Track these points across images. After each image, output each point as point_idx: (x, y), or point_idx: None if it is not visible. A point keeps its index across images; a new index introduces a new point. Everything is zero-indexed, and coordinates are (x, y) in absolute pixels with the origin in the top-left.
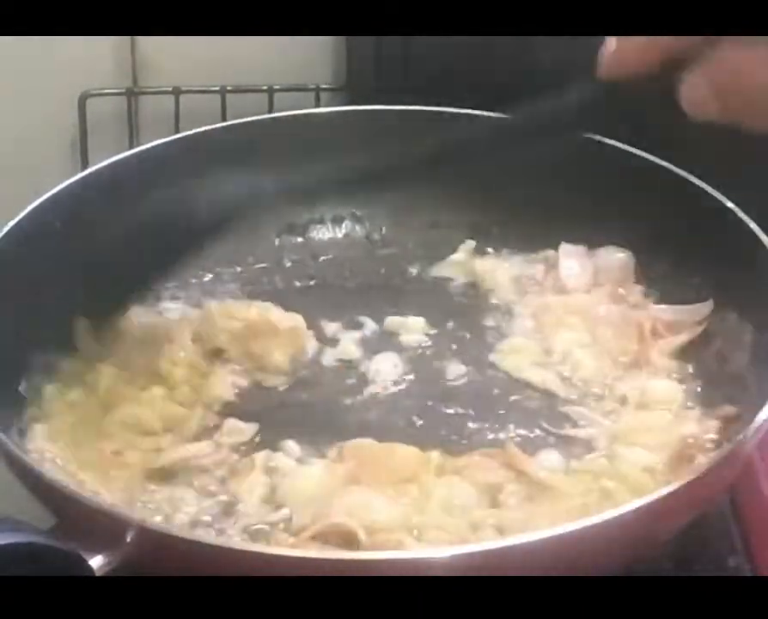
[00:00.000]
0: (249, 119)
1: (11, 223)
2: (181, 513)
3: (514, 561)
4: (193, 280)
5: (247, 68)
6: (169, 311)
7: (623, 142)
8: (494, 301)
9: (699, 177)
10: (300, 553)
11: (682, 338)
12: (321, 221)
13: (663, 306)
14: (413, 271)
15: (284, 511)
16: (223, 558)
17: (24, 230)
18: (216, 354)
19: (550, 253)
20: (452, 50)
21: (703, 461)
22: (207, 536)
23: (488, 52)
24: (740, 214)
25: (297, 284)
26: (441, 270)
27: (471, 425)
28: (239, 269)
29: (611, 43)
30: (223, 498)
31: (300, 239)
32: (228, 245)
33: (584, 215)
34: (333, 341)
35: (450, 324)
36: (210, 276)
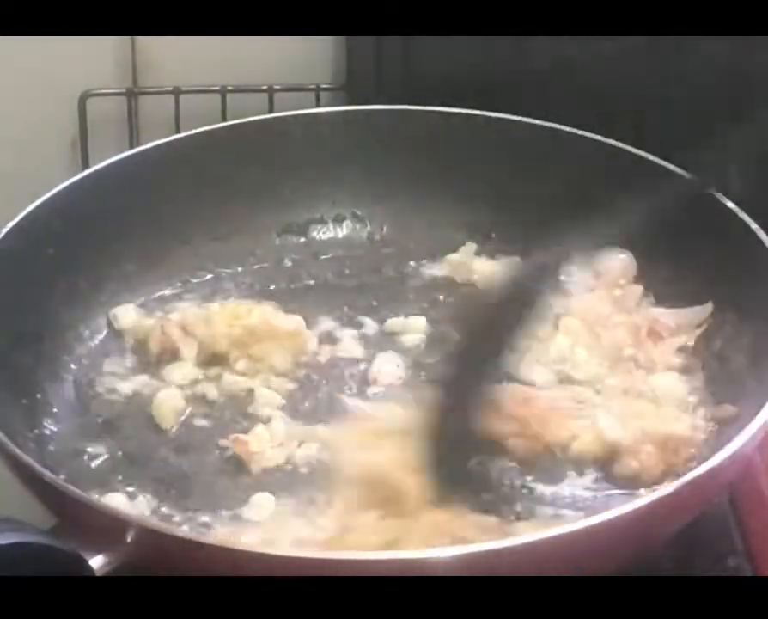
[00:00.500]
0: (249, 119)
1: (11, 224)
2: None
3: (514, 561)
4: (194, 281)
5: (247, 68)
6: (170, 311)
7: (624, 142)
8: None
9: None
10: (300, 553)
11: (682, 340)
12: (322, 221)
13: (662, 309)
14: (414, 271)
15: None
16: (223, 558)
17: (24, 230)
18: (218, 359)
19: (550, 254)
20: (452, 50)
21: (701, 461)
22: (207, 536)
23: (488, 52)
24: (741, 214)
25: (298, 284)
26: (441, 270)
27: None
28: (239, 269)
29: None
30: None
31: (300, 239)
32: (228, 245)
33: (585, 215)
34: (334, 341)
35: (451, 324)
36: (211, 276)
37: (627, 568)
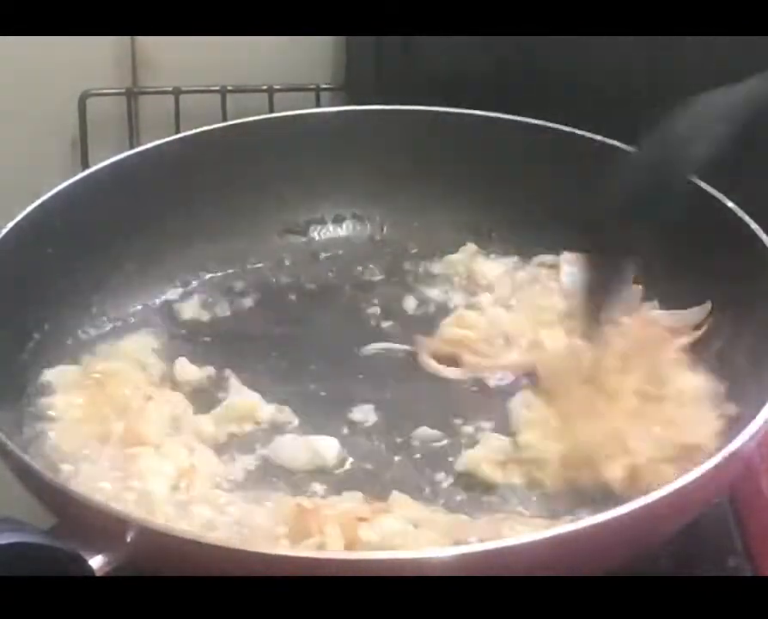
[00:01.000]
0: (249, 119)
1: (11, 223)
2: None
3: (513, 561)
4: (194, 282)
5: (247, 68)
6: (171, 310)
7: (624, 142)
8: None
9: (699, 177)
10: (300, 553)
11: (682, 341)
12: (322, 221)
13: (662, 311)
14: (414, 271)
15: None
16: (223, 558)
17: (24, 230)
18: None
19: (549, 255)
20: (452, 50)
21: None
22: (207, 536)
23: (488, 52)
24: (741, 214)
25: (298, 283)
26: (441, 269)
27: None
28: (239, 269)
29: None
30: None
31: (300, 239)
32: (228, 245)
33: (584, 216)
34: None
35: None
36: (211, 276)
37: (627, 568)
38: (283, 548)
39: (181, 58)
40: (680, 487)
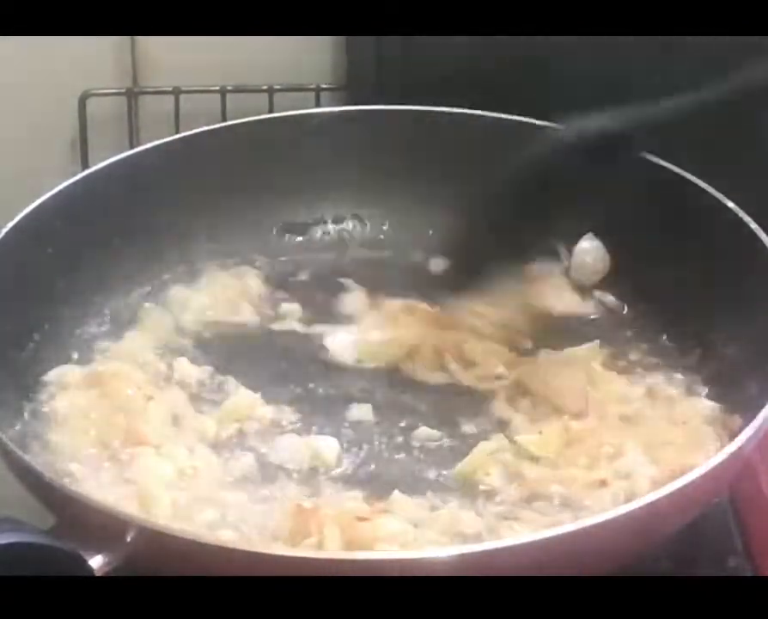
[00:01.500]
0: (249, 119)
1: (11, 223)
2: None
3: (514, 561)
4: (194, 282)
5: (247, 68)
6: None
7: None
8: None
9: (699, 177)
10: (299, 553)
11: None
12: (322, 221)
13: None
14: (414, 270)
15: None
16: (223, 558)
17: (24, 230)
18: None
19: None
20: (452, 50)
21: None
22: (207, 535)
23: (488, 52)
24: (741, 214)
25: (297, 283)
26: (441, 269)
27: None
28: (239, 269)
29: None
30: None
31: (300, 238)
32: (228, 245)
33: (585, 216)
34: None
35: None
36: (211, 275)
37: (627, 568)
38: (283, 549)
39: (181, 58)
40: (680, 487)
